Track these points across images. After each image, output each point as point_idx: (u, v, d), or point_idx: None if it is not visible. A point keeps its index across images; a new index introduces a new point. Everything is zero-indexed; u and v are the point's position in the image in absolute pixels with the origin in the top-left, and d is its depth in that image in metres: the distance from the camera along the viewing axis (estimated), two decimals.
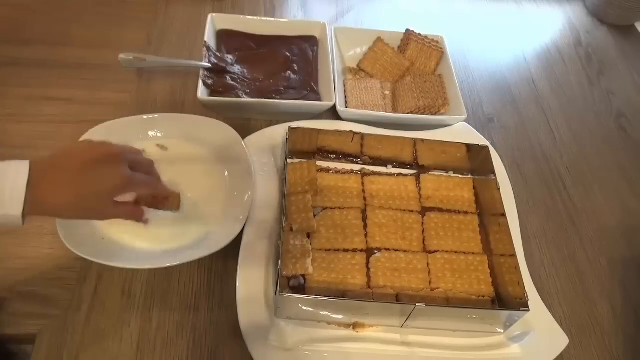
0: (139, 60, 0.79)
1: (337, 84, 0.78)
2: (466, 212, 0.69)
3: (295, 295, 0.54)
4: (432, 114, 0.80)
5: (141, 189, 0.57)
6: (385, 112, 0.79)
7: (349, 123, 0.75)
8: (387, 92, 0.83)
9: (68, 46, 0.84)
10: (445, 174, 0.73)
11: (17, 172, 0.46)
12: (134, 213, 0.57)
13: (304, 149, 0.71)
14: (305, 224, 0.63)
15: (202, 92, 0.72)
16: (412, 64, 0.86)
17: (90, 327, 0.57)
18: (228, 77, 0.78)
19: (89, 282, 0.60)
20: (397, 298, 0.61)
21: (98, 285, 0.60)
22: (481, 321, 0.59)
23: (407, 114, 0.79)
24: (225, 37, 0.84)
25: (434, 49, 0.86)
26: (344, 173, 0.70)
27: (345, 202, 0.68)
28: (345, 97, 0.80)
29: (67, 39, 0.85)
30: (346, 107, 0.78)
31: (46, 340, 0.55)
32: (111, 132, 0.65)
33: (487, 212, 0.68)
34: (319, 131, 0.69)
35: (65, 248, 0.55)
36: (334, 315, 0.58)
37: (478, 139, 0.77)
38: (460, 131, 0.78)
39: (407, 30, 0.88)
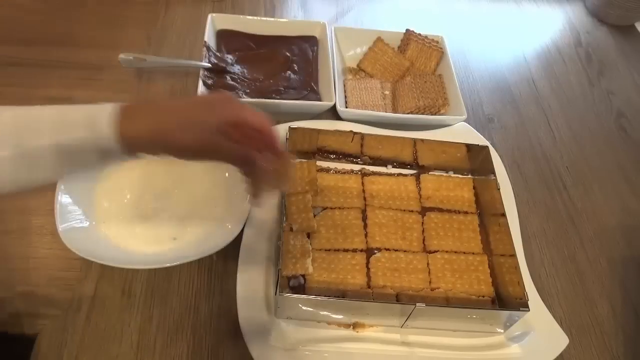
0: (139, 60, 0.79)
1: (337, 84, 0.78)
2: (466, 212, 0.69)
3: (295, 295, 0.54)
4: (432, 114, 0.80)
5: (251, 114, 0.46)
6: (385, 112, 0.79)
7: (349, 123, 0.75)
8: (387, 92, 0.83)
9: (68, 46, 0.84)
10: (445, 174, 0.73)
11: (108, 105, 0.43)
12: (253, 159, 0.47)
13: (304, 149, 0.71)
14: (305, 224, 0.63)
15: (202, 92, 0.72)
16: (412, 64, 0.86)
17: (90, 327, 0.57)
18: (228, 77, 0.78)
19: (89, 282, 0.60)
20: (397, 298, 0.61)
21: (98, 285, 0.60)
22: (481, 321, 0.59)
23: (407, 114, 0.79)
24: (225, 37, 0.84)
25: (434, 49, 0.86)
26: (344, 173, 0.70)
27: (345, 202, 0.68)
28: (345, 97, 0.80)
29: (67, 39, 0.85)
30: (346, 107, 0.78)
31: (46, 340, 0.55)
32: None
33: (487, 212, 0.68)
34: (319, 131, 0.69)
35: (65, 248, 0.55)
36: (334, 315, 0.58)
37: (478, 139, 0.77)
38: (460, 131, 0.78)
39: (407, 30, 0.88)
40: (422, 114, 0.79)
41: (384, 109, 0.80)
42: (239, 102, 0.48)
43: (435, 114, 0.80)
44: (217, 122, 0.45)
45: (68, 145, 0.43)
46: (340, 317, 0.58)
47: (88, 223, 0.60)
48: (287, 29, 0.86)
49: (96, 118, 0.43)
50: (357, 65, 0.87)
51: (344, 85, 0.81)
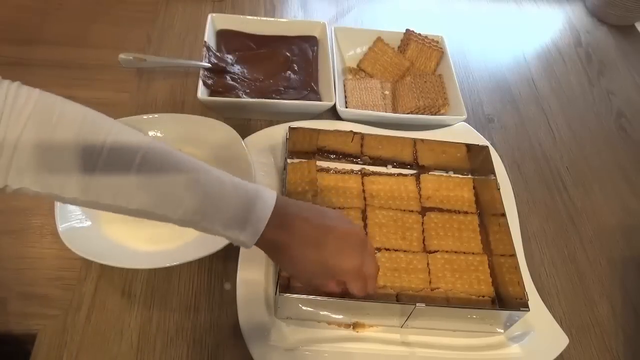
0: (139, 60, 0.79)
1: (337, 84, 0.78)
2: (466, 212, 0.69)
3: (295, 295, 0.54)
4: (432, 114, 0.80)
5: (356, 288, 0.49)
6: (385, 112, 0.79)
7: (349, 123, 0.75)
8: (387, 92, 0.83)
9: (68, 46, 0.84)
10: (445, 174, 0.73)
11: (265, 202, 0.45)
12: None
13: (304, 149, 0.71)
14: None
15: (202, 92, 0.72)
16: (412, 64, 0.86)
17: (90, 327, 0.57)
18: (228, 77, 0.78)
19: (89, 282, 0.60)
20: (397, 298, 0.61)
21: (98, 285, 0.60)
22: (481, 321, 0.59)
23: (407, 114, 0.79)
24: (225, 37, 0.84)
25: (434, 49, 0.86)
26: (344, 173, 0.70)
27: (345, 202, 0.67)
28: (345, 97, 0.80)
29: (67, 39, 0.85)
30: (346, 107, 0.78)
31: (46, 340, 0.55)
32: None
33: (487, 212, 0.68)
34: (319, 131, 0.69)
35: (65, 248, 0.55)
36: (334, 315, 0.58)
37: (478, 139, 0.77)
38: (460, 131, 0.78)
39: (407, 30, 0.88)
40: (422, 114, 0.79)
41: (384, 109, 0.80)
42: (375, 261, 0.49)
43: (435, 114, 0.80)
44: (343, 271, 0.47)
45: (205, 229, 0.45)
46: (341, 317, 0.58)
47: (88, 223, 0.60)
48: (287, 29, 0.86)
49: (245, 227, 0.44)
50: (357, 65, 0.87)
51: (344, 85, 0.81)
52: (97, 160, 0.39)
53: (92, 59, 0.82)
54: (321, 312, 0.58)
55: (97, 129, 0.39)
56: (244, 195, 0.44)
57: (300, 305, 0.56)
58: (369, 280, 0.49)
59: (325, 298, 0.55)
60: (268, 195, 0.45)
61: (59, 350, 0.55)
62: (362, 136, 0.70)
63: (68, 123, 0.38)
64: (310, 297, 0.55)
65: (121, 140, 0.40)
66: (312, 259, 0.46)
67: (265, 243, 0.46)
